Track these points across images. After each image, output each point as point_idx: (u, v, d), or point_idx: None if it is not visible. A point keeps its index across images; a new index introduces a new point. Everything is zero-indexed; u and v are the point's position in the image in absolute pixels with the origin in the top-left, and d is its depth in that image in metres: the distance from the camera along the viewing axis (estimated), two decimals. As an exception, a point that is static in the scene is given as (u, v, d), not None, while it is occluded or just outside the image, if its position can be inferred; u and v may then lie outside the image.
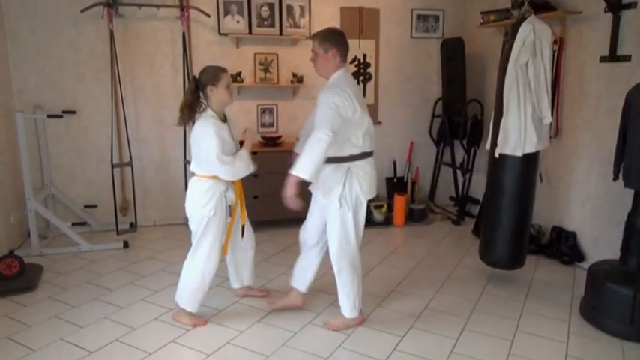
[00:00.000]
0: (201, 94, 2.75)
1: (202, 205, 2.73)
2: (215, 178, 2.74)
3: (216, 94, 2.70)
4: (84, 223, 4.50)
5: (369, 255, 4.04)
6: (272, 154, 4.46)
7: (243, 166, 2.73)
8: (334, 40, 2.67)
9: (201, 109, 2.76)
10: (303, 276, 3.01)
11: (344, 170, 2.67)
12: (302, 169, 2.50)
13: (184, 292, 2.85)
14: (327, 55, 2.65)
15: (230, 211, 2.88)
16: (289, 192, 2.55)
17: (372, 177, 2.79)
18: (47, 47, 4.24)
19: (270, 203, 4.56)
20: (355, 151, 2.67)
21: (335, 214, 2.72)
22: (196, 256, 2.81)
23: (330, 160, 2.62)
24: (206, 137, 2.64)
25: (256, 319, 2.99)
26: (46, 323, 2.89)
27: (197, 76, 2.74)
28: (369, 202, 4.95)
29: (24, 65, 4.22)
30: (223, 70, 2.73)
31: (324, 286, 3.39)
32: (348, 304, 2.85)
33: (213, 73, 2.69)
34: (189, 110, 2.73)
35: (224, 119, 2.80)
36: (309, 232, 2.94)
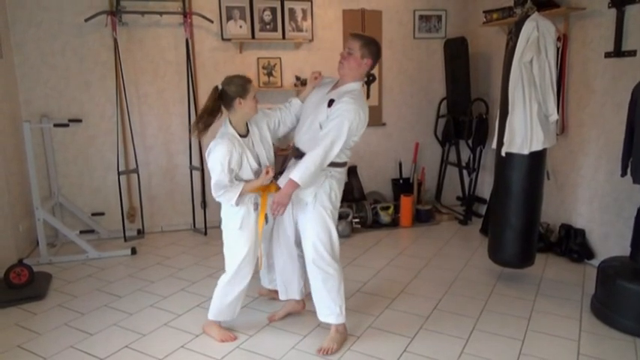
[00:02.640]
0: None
1: (229, 217, 2.68)
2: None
3: (244, 106, 2.54)
4: (92, 231, 4.52)
5: (376, 256, 4.03)
6: (277, 158, 4.44)
7: (229, 197, 2.55)
8: (374, 51, 2.61)
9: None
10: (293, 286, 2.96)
11: (325, 173, 2.60)
12: (304, 178, 2.46)
13: (213, 303, 2.79)
14: (361, 61, 2.58)
15: (266, 219, 2.77)
16: (287, 200, 2.51)
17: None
18: (52, 57, 4.27)
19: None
20: (344, 159, 2.64)
21: (315, 215, 2.60)
22: (227, 264, 2.75)
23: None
24: (213, 157, 2.54)
25: (265, 323, 2.98)
26: (56, 331, 2.90)
27: (221, 86, 2.58)
28: (376, 203, 4.96)
29: (30, 75, 4.25)
30: (249, 80, 2.58)
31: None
32: (334, 310, 2.68)
33: (242, 85, 2.53)
34: (209, 117, 2.57)
35: (246, 132, 2.65)
36: (284, 225, 2.85)
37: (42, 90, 4.30)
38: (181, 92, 4.59)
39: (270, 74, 4.76)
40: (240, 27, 4.63)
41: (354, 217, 4.72)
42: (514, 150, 3.19)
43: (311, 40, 4.84)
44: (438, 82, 5.29)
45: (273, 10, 4.68)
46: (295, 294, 2.96)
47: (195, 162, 4.69)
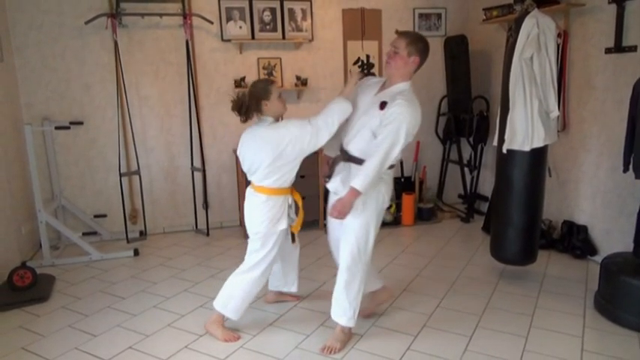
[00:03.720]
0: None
1: (261, 220, 2.70)
2: (278, 192, 2.70)
3: (270, 107, 2.67)
4: (94, 233, 4.53)
5: (379, 255, 4.02)
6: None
7: (332, 121, 2.59)
8: (421, 49, 2.56)
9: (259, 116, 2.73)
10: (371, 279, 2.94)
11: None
12: (366, 186, 2.45)
13: (229, 296, 2.78)
14: (408, 60, 2.53)
15: (292, 220, 2.84)
16: (349, 208, 2.50)
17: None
18: (53, 60, 4.28)
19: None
20: (394, 162, 2.61)
21: (361, 221, 2.59)
22: (257, 269, 2.76)
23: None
24: (288, 132, 2.60)
25: (268, 322, 2.99)
26: (60, 333, 2.91)
27: (247, 93, 2.70)
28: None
29: (31, 78, 4.26)
30: (271, 82, 2.72)
31: (333, 286, 3.39)
32: (348, 313, 2.67)
33: (263, 88, 2.66)
34: (247, 110, 2.70)
35: None
36: (334, 230, 2.85)
37: (43, 93, 4.30)
38: (182, 93, 4.60)
39: (270, 74, 4.77)
40: (240, 28, 4.63)
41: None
42: (515, 147, 3.19)
43: (311, 40, 4.85)
44: (439, 80, 5.29)
45: (273, 11, 4.68)
46: (375, 284, 2.98)
47: (197, 163, 4.69)
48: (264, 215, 2.71)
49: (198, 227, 4.81)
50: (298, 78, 4.80)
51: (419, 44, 2.56)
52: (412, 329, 2.87)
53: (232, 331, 2.84)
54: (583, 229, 3.86)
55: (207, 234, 4.69)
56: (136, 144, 4.42)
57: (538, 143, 3.15)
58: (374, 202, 2.59)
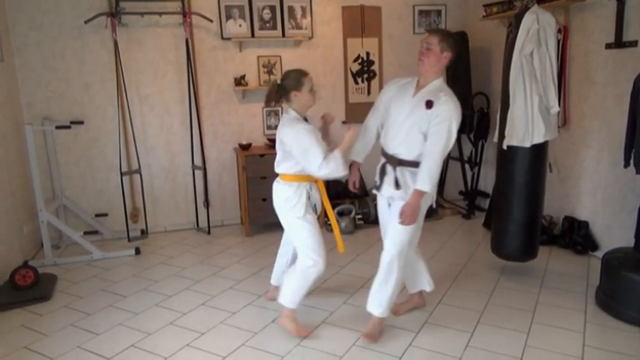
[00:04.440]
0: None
1: (290, 207, 2.72)
2: (300, 178, 2.72)
3: (300, 98, 2.68)
4: (95, 232, 4.53)
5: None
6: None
7: (336, 167, 2.60)
8: (452, 44, 2.57)
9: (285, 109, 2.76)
10: (419, 279, 2.98)
11: None
12: (431, 185, 2.50)
13: (291, 290, 2.78)
14: (441, 56, 2.55)
15: (315, 210, 2.84)
16: (417, 210, 2.53)
17: None
18: (53, 60, 4.28)
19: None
20: None
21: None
22: (299, 253, 2.77)
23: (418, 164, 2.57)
24: (302, 136, 2.61)
25: (270, 320, 2.99)
26: (63, 332, 2.91)
27: (279, 81, 2.71)
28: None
29: (31, 79, 4.26)
30: (305, 74, 2.70)
31: (337, 286, 3.39)
32: (384, 304, 2.70)
33: (297, 79, 2.66)
34: (274, 101, 2.73)
35: (306, 120, 2.78)
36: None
37: (43, 93, 4.31)
38: (182, 92, 4.60)
39: (270, 72, 4.76)
40: (240, 26, 4.63)
41: (357, 214, 4.73)
42: (516, 143, 3.19)
43: (311, 38, 4.84)
44: (439, 77, 5.28)
45: (273, 9, 4.68)
46: (426, 285, 2.99)
47: (197, 161, 4.69)
48: (280, 200, 2.75)
49: (200, 225, 4.82)
50: (298, 76, 4.79)
51: (450, 40, 2.58)
52: (414, 326, 2.87)
53: (303, 325, 2.83)
54: (584, 225, 3.86)
55: (209, 232, 4.70)
56: (137, 143, 4.43)
57: (538, 139, 3.14)
58: (424, 202, 2.62)
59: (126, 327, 2.95)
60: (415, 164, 2.56)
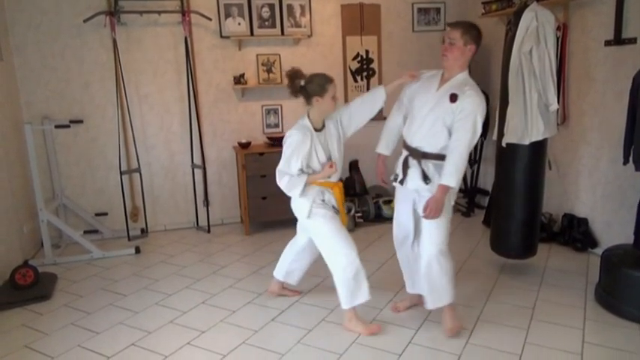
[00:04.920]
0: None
1: (301, 208, 2.75)
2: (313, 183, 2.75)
3: (321, 104, 2.69)
4: (95, 231, 4.54)
5: (380, 250, 4.03)
6: (279, 154, 4.42)
7: (293, 187, 2.69)
8: (475, 36, 2.55)
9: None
10: (419, 282, 2.93)
11: None
12: (457, 180, 2.48)
13: (342, 293, 2.76)
14: (465, 49, 2.53)
15: (335, 210, 2.84)
16: (442, 205, 2.52)
17: None
18: (52, 59, 4.28)
19: (278, 203, 4.56)
20: None
21: (444, 213, 2.61)
22: (327, 257, 2.76)
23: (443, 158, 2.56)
24: (287, 143, 2.70)
25: (270, 318, 3.00)
26: (63, 331, 2.92)
27: (303, 83, 2.74)
28: (378, 197, 4.96)
29: (31, 78, 4.26)
30: (330, 80, 2.71)
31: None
32: (450, 292, 2.68)
33: (321, 85, 2.67)
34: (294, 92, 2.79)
35: (321, 127, 2.79)
36: (406, 227, 2.84)
37: (43, 92, 4.31)
38: (181, 91, 4.60)
39: (269, 71, 4.76)
40: (239, 24, 4.63)
41: (356, 212, 4.73)
42: (514, 140, 3.19)
43: (310, 36, 4.84)
44: (438, 74, 5.27)
45: (272, 7, 4.67)
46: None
47: (197, 160, 4.70)
48: (293, 204, 2.80)
49: (199, 224, 4.82)
50: (297, 74, 4.79)
51: (473, 31, 2.55)
52: (413, 323, 2.88)
53: (369, 323, 2.82)
54: (583, 222, 3.86)
55: (208, 231, 4.70)
56: (136, 142, 4.43)
57: (537, 137, 3.14)
58: (448, 198, 2.61)
59: (126, 326, 2.96)
60: (439, 157, 2.56)
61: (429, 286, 2.71)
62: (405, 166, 2.71)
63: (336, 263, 2.73)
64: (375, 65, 5.11)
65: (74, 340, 2.80)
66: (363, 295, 2.76)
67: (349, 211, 4.63)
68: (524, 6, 3.13)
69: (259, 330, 2.87)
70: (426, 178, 2.61)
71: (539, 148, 3.22)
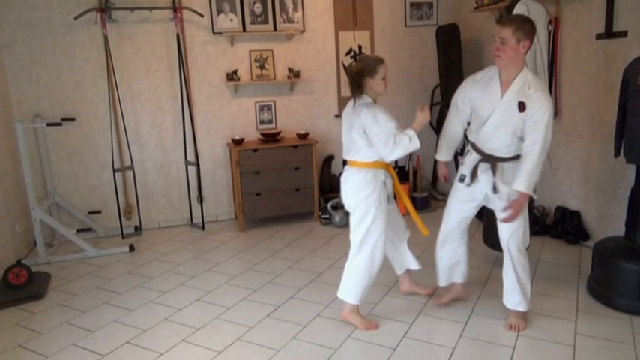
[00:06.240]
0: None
1: (367, 194, 2.70)
2: (374, 166, 2.71)
3: (372, 85, 2.67)
4: (89, 229, 4.52)
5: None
6: (272, 150, 4.46)
7: (406, 143, 2.61)
8: (528, 30, 2.41)
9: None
10: (458, 270, 2.99)
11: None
12: (532, 187, 2.48)
13: (350, 285, 2.78)
14: (519, 46, 2.41)
15: (389, 199, 2.83)
16: (520, 210, 2.53)
17: None
18: (43, 56, 4.25)
19: (272, 199, 4.58)
20: None
21: (524, 210, 2.61)
22: (364, 247, 2.74)
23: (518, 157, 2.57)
24: (377, 119, 2.60)
25: (264, 314, 3.00)
26: (57, 329, 2.91)
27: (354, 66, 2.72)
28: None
29: (21, 75, 4.23)
30: (380, 61, 2.68)
31: (332, 279, 3.41)
32: (527, 298, 2.70)
33: (372, 65, 2.65)
34: (358, 87, 2.70)
35: None
36: (452, 226, 2.89)
37: (34, 90, 4.27)
38: (174, 88, 4.58)
39: (262, 67, 4.75)
40: (231, 20, 4.61)
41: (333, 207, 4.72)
42: (507, 134, 3.19)
43: (302, 32, 4.83)
44: (431, 69, 5.29)
45: (264, 2, 4.65)
46: (460, 277, 3.00)
47: (191, 157, 4.68)
48: (355, 187, 2.73)
49: (194, 221, 4.82)
50: (290, 70, 4.78)
51: (525, 27, 2.42)
52: (408, 317, 2.90)
53: (369, 320, 2.84)
54: (576, 215, 3.89)
55: (203, 228, 4.70)
56: (129, 139, 4.41)
57: (530, 130, 3.15)
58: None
59: (121, 324, 2.95)
60: (514, 158, 2.57)
61: (509, 285, 2.72)
62: (475, 170, 2.70)
63: (367, 257, 2.74)
64: (368, 60, 5.10)
65: (69, 339, 2.79)
66: (356, 298, 2.79)
67: (344, 206, 4.62)
68: (516, 0, 3.14)
69: (254, 326, 2.87)
70: (502, 182, 2.60)
71: (531, 141, 3.22)
